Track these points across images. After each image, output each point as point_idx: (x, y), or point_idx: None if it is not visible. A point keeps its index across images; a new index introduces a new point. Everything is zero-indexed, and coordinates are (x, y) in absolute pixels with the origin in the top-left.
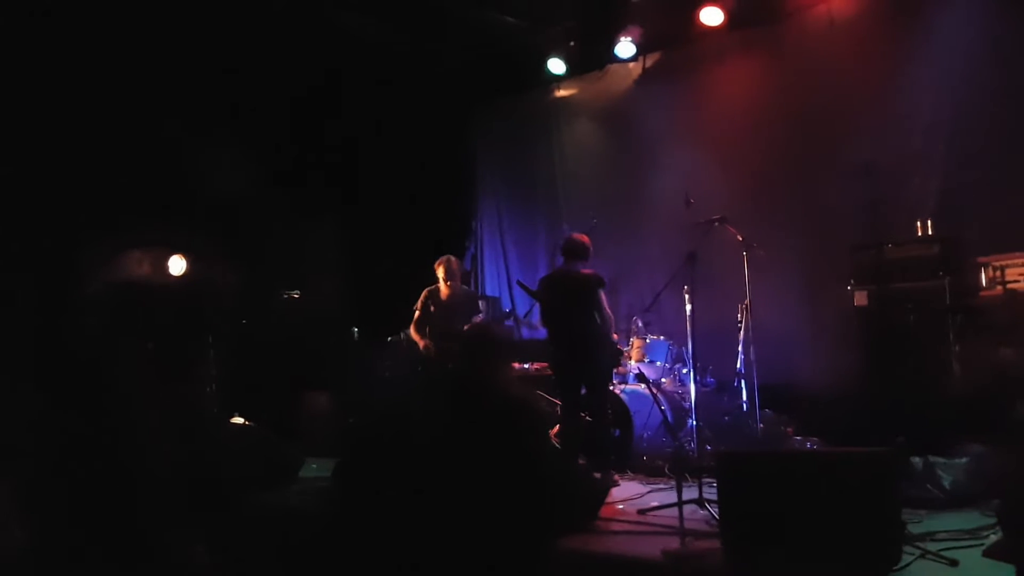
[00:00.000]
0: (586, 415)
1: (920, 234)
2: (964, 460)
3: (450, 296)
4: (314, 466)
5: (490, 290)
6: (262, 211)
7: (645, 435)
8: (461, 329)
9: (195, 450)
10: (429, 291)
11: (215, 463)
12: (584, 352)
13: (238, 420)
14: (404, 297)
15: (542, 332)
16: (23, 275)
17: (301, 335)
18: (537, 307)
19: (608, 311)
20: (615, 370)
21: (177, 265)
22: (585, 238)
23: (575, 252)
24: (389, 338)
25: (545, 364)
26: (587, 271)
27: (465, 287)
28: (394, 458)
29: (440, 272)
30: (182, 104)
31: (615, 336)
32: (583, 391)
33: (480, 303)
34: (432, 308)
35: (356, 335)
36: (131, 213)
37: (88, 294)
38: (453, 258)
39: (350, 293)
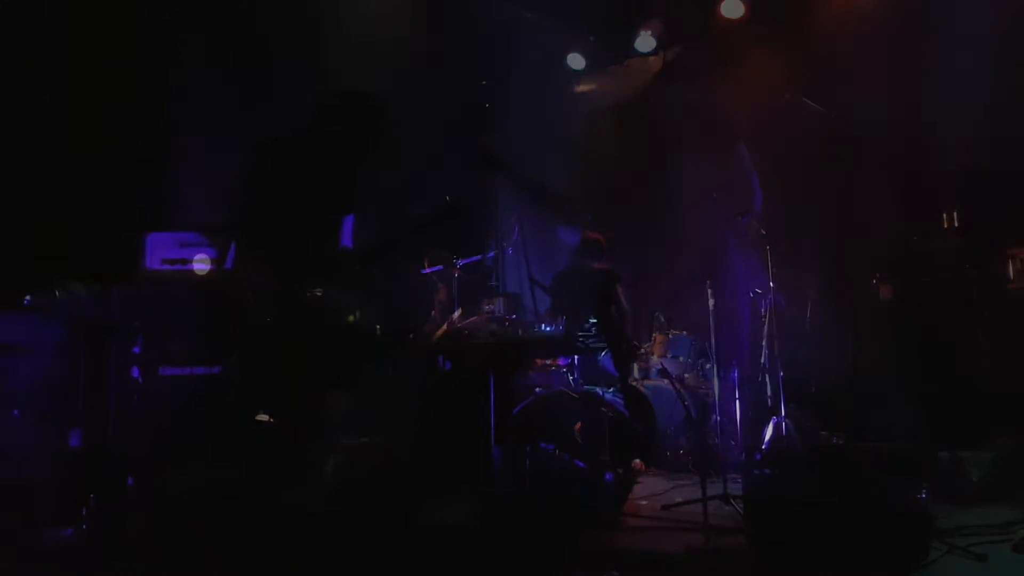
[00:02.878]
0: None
1: (946, 226)
2: (993, 454)
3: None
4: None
5: (512, 287)
6: (284, 209)
7: (668, 430)
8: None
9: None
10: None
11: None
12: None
13: (263, 417)
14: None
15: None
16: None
17: (324, 332)
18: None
19: (626, 305)
20: (632, 365)
21: (202, 263)
22: (598, 235)
23: (588, 249)
24: (411, 335)
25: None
26: (601, 266)
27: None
28: None
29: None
30: (200, 103)
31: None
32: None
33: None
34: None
35: (379, 332)
36: (154, 210)
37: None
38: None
39: (372, 291)
